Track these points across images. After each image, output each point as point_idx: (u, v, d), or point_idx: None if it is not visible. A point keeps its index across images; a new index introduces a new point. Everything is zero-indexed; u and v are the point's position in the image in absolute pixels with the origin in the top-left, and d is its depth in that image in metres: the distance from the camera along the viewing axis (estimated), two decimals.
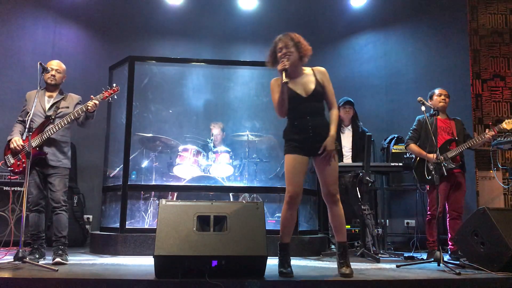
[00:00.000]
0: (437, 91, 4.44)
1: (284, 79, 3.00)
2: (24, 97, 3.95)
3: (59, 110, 3.81)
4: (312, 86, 3.12)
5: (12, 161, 3.68)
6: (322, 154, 3.06)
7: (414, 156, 4.45)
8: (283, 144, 3.24)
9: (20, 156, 3.66)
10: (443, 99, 4.38)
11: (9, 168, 3.70)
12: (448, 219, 4.29)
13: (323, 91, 3.15)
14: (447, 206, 4.30)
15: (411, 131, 4.48)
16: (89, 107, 3.69)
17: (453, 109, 4.52)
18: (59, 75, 3.89)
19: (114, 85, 3.95)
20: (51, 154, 3.71)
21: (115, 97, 3.97)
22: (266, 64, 3.28)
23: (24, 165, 3.62)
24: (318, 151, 3.07)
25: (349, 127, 5.04)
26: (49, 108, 3.80)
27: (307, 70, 3.21)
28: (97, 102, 3.73)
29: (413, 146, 4.40)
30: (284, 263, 3.09)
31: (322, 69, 3.23)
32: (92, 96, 3.76)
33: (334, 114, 3.17)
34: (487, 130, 4.24)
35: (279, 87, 3.09)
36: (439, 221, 4.03)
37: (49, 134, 3.66)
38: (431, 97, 4.46)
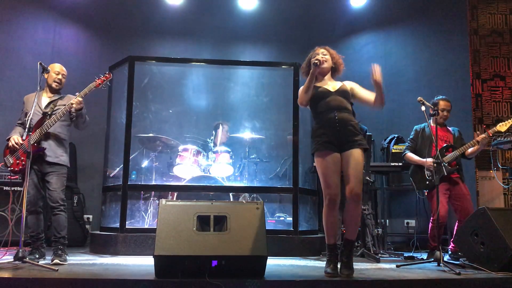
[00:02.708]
0: (442, 103, 4.37)
1: (315, 61, 3.13)
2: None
3: (56, 108, 3.79)
4: (338, 86, 3.27)
5: (11, 161, 3.67)
6: (348, 148, 3.06)
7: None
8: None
9: (18, 154, 3.65)
10: (445, 115, 4.38)
11: (9, 168, 3.70)
12: (457, 225, 4.24)
13: (351, 92, 3.29)
14: (457, 214, 4.27)
15: (409, 140, 4.55)
16: (73, 105, 3.63)
17: (453, 109, 4.51)
18: (64, 80, 3.92)
19: (107, 72, 3.91)
20: (49, 149, 3.69)
21: (109, 83, 3.92)
22: (301, 72, 3.41)
23: (23, 163, 3.62)
24: (345, 146, 3.07)
25: None
26: (46, 106, 3.80)
27: (335, 81, 3.37)
28: (80, 98, 3.67)
29: (409, 155, 4.43)
30: (330, 263, 3.08)
31: (350, 82, 3.39)
32: (76, 93, 3.71)
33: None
34: (478, 132, 4.26)
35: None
36: (442, 226, 4.03)
37: (46, 129, 3.65)
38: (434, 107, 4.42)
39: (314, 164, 3.18)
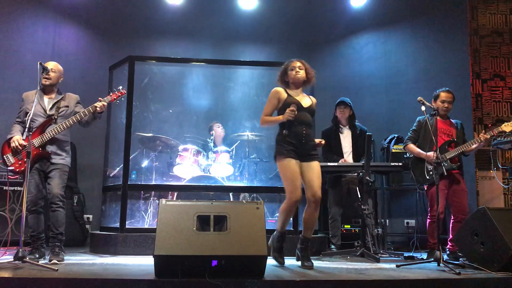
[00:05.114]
0: (442, 95, 4.35)
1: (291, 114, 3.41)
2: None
3: (61, 110, 3.82)
4: (309, 103, 3.65)
5: (12, 160, 3.67)
6: (309, 160, 3.48)
7: (411, 156, 4.46)
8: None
9: (21, 155, 3.65)
10: (446, 107, 4.33)
11: (9, 168, 3.69)
12: (452, 221, 4.26)
13: (314, 113, 3.69)
14: (452, 209, 4.29)
15: (411, 131, 4.49)
16: (97, 108, 3.72)
17: (453, 109, 4.51)
18: (54, 74, 3.85)
19: (121, 87, 3.99)
20: (54, 153, 3.74)
21: (122, 99, 4.01)
22: (278, 81, 3.74)
23: (26, 164, 3.62)
24: (307, 157, 3.49)
25: (348, 127, 5.04)
26: (51, 108, 3.81)
27: (305, 94, 3.74)
28: (105, 103, 3.77)
29: (411, 146, 4.41)
30: (281, 251, 3.58)
31: (315, 100, 3.78)
32: (100, 98, 3.79)
33: None
34: (483, 132, 4.23)
35: (278, 100, 3.57)
36: (440, 221, 4.02)
37: (52, 134, 3.67)
38: (435, 99, 4.41)
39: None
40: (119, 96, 3.94)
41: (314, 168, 3.48)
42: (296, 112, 3.39)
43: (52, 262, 3.48)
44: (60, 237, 3.71)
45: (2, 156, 3.73)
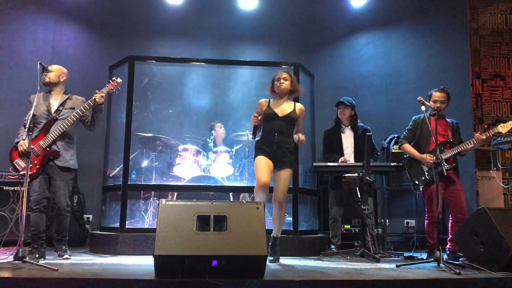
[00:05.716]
0: (435, 95, 4.33)
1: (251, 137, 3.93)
2: (24, 97, 3.97)
3: (66, 111, 3.85)
4: (288, 111, 3.86)
5: (22, 165, 3.69)
6: (280, 167, 3.80)
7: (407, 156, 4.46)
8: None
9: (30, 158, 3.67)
10: (437, 107, 4.24)
11: (21, 173, 3.69)
12: (451, 221, 4.26)
13: (295, 119, 3.87)
14: (450, 210, 4.29)
15: (406, 130, 4.48)
16: (97, 100, 3.76)
17: (453, 109, 4.51)
18: (53, 73, 3.87)
19: (115, 77, 4.05)
20: (62, 155, 3.78)
21: (119, 88, 4.06)
22: (268, 90, 4.02)
23: (37, 166, 3.65)
24: (277, 164, 3.79)
25: (350, 127, 5.04)
26: (56, 110, 3.83)
27: (291, 102, 3.98)
28: (103, 94, 3.81)
29: (407, 146, 4.40)
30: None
31: (302, 106, 3.99)
32: (97, 90, 3.82)
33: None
34: (479, 133, 4.21)
35: (261, 110, 3.87)
36: (439, 221, 4.02)
37: (56, 134, 3.69)
38: (429, 99, 4.37)
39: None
40: (115, 86, 3.99)
41: (282, 175, 3.80)
42: (258, 117, 3.77)
43: (64, 257, 3.65)
44: (65, 238, 3.86)
45: (12, 162, 3.74)
